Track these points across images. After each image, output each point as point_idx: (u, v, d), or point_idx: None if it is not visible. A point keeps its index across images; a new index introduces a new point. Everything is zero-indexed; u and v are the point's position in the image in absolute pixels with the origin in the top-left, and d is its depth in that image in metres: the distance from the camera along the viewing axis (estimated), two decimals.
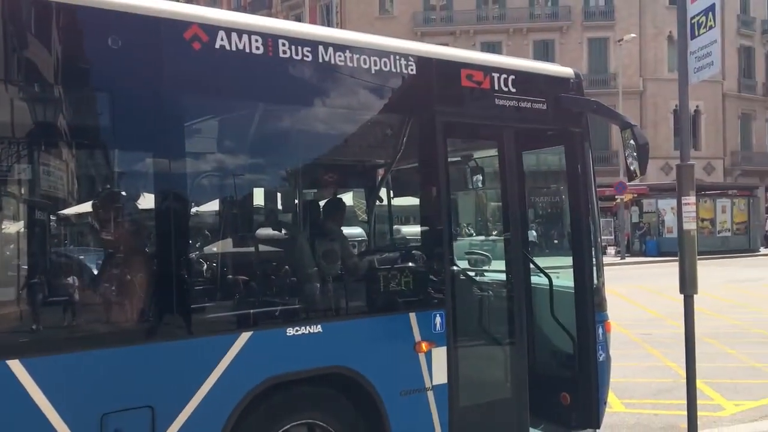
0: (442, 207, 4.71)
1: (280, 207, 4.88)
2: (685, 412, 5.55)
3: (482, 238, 7.90)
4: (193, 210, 4.27)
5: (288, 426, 4.03)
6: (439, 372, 4.59)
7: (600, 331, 5.50)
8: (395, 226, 5.70)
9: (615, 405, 7.59)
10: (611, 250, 34.58)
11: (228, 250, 4.34)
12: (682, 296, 5.12)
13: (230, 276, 4.29)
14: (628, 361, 9.93)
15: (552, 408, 5.56)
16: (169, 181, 3.73)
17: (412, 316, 4.50)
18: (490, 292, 5.56)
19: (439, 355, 4.59)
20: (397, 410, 4.38)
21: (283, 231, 4.64)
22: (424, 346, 4.51)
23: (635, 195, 35.46)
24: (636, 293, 19.01)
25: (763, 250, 38.07)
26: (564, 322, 5.62)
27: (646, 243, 35.13)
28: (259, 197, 4.48)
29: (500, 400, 5.08)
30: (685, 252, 4.99)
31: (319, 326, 4.10)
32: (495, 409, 5.01)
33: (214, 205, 4.57)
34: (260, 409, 3.92)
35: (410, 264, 4.73)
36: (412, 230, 5.62)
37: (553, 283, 5.72)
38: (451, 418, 4.62)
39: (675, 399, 7.78)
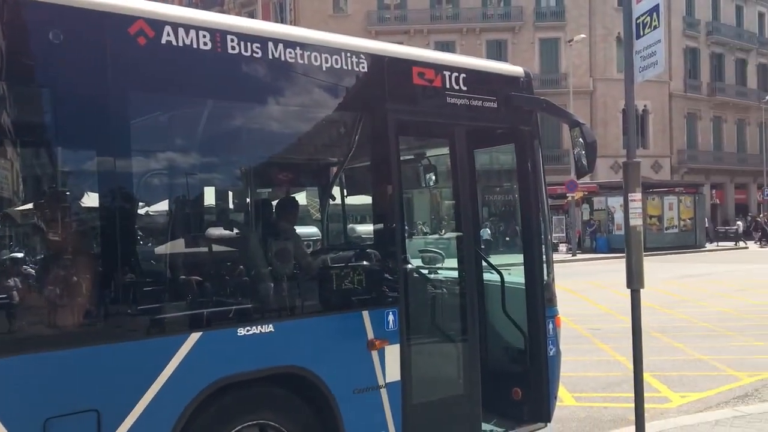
0: (395, 205, 4.71)
1: (230, 206, 4.82)
2: (631, 404, 5.69)
3: (436, 236, 7.93)
4: (140, 209, 4.19)
5: (239, 427, 3.98)
6: (392, 370, 4.59)
7: (550, 326, 5.58)
8: (348, 225, 5.68)
9: (566, 399, 7.72)
10: (563, 247, 35.18)
11: (177, 249, 4.26)
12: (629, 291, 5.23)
13: (179, 276, 4.21)
14: (578, 355, 10.12)
15: (503, 403, 5.62)
16: (114, 180, 3.65)
17: (365, 314, 4.49)
18: (443, 290, 5.59)
19: (393, 352, 4.60)
20: (350, 409, 4.37)
21: (234, 230, 4.58)
22: (377, 344, 4.50)
23: (586, 193, 36.13)
24: (586, 289, 19.37)
25: (708, 246, 39.22)
26: (515, 318, 5.68)
27: (596, 240, 35.83)
28: (208, 196, 4.41)
29: (453, 397, 5.11)
30: (631, 247, 5.09)
31: (270, 326, 4.06)
32: (448, 405, 5.04)
33: (161, 204, 4.49)
34: (211, 411, 3.86)
35: (363, 262, 4.72)
36: (365, 229, 5.60)
37: (505, 280, 5.78)
38: (405, 416, 4.63)
39: (624, 392, 7.95)
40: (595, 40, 45.71)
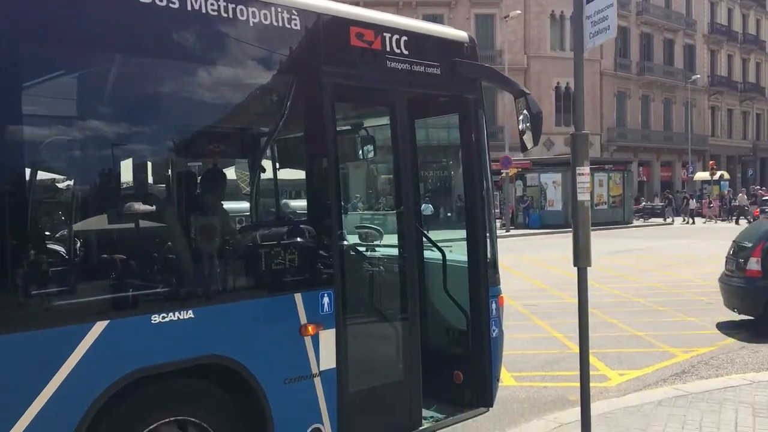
0: (330, 178, 4.32)
1: (143, 178, 4.30)
2: (574, 384, 5.49)
3: (374, 212, 7.55)
4: (38, 181, 3.67)
5: (155, 425, 3.56)
6: (326, 356, 4.23)
7: (493, 306, 5.32)
8: (279, 200, 5.22)
9: (505, 378, 7.52)
10: (497, 222, 35.41)
11: (80, 227, 3.74)
12: (565, 267, 4.99)
13: (83, 258, 3.70)
14: (516, 332, 9.95)
15: (444, 387, 5.35)
16: (3, 149, 3.14)
17: (298, 297, 4.11)
18: (382, 269, 5.25)
19: (327, 338, 4.23)
20: (281, 400, 4.00)
21: (148, 205, 4.08)
22: (310, 329, 4.13)
23: (519, 169, 36.46)
24: (521, 264, 19.43)
25: (635, 222, 40.24)
26: (457, 298, 5.40)
27: (529, 216, 36.28)
28: (118, 167, 3.90)
29: (392, 384, 4.79)
30: (578, 223, 4.85)
31: (190, 312, 3.63)
32: (387, 392, 4.72)
33: (63, 175, 3.96)
34: (121, 408, 3.42)
35: (295, 241, 4.32)
36: (297, 204, 5.18)
37: (447, 258, 5.48)
38: (340, 405, 4.29)
39: (563, 370, 7.82)
40: (530, 17, 45.93)
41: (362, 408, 4.47)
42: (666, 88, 55.51)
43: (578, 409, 5.29)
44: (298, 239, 4.32)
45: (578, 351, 5.12)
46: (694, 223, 40.31)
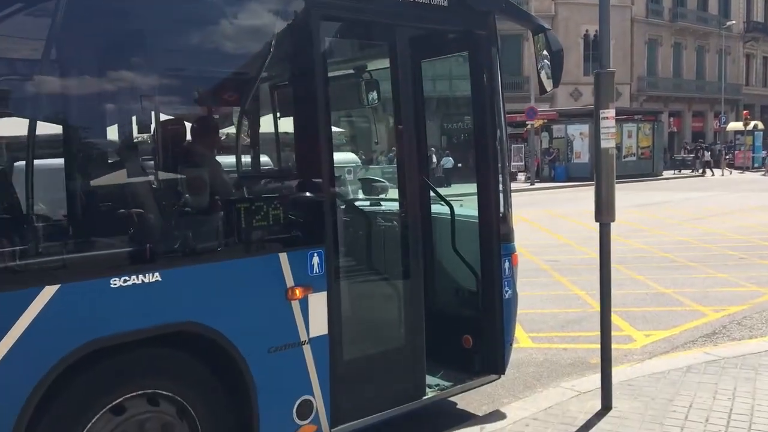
0: (320, 122, 3.84)
1: (99, 121, 3.82)
2: (595, 346, 5.07)
3: (379, 163, 7.01)
4: None
5: (120, 399, 3.19)
6: (317, 322, 3.82)
7: (506, 265, 4.86)
8: (262, 147, 4.73)
9: (522, 339, 7.11)
10: (521, 176, 34.76)
11: (22, 176, 3.30)
12: (590, 222, 4.51)
13: (27, 213, 3.27)
14: (535, 289, 9.54)
15: (452, 352, 4.95)
16: None
17: (283, 257, 3.68)
18: (382, 225, 4.79)
19: (318, 301, 3.82)
20: (265, 371, 3.61)
21: (104, 150, 3.62)
22: (298, 292, 3.72)
23: (545, 121, 35.56)
24: (544, 218, 18.89)
25: (665, 174, 39.22)
26: (467, 257, 4.95)
27: (555, 168, 35.51)
28: (70, 111, 3.44)
29: (393, 350, 4.39)
30: (602, 174, 4.34)
31: (156, 274, 3.22)
32: (386, 360, 4.32)
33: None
34: (78, 382, 3.06)
35: (279, 194, 3.87)
36: (283, 154, 4.71)
37: (455, 213, 5.01)
38: (333, 376, 3.90)
39: (584, 331, 7.38)
40: None
41: (358, 377, 4.08)
42: (699, 35, 53.51)
43: (599, 375, 4.86)
44: (284, 192, 3.87)
45: (600, 315, 4.68)
46: (712, 174, 39.13)
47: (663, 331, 7.36)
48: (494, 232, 4.77)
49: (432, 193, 5.22)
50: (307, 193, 3.86)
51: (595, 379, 5.06)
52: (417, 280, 4.35)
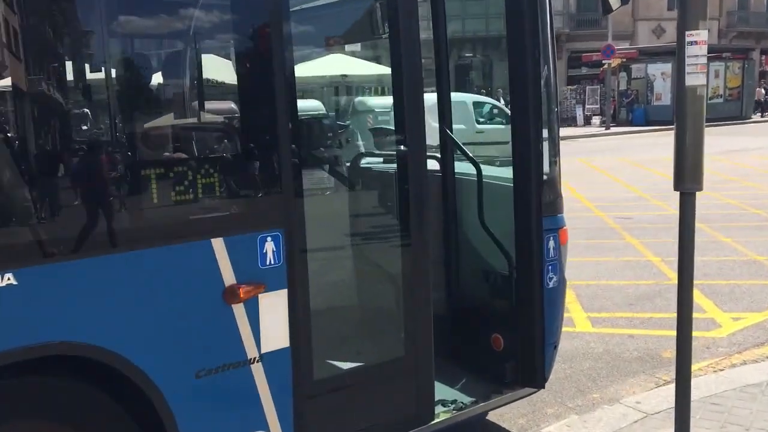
0: (274, 53, 2.71)
1: None
2: (670, 332, 3.88)
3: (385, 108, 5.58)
4: None
5: None
6: (273, 332, 2.77)
7: (551, 243, 3.66)
8: (189, 93, 3.43)
9: (579, 322, 5.92)
10: (596, 119, 32.74)
11: None
12: (670, 171, 3.25)
13: None
14: (601, 255, 8.25)
15: (478, 356, 3.85)
16: None
17: (218, 243, 2.62)
18: (377, 192, 3.65)
19: (274, 304, 2.76)
20: (190, 404, 2.60)
21: None
22: (241, 292, 2.66)
23: (624, 59, 33.23)
24: (618, 167, 17.26)
25: (754, 117, 36.23)
26: (498, 232, 3.78)
27: (633, 111, 33.33)
28: None
29: (387, 363, 3.29)
30: (685, 124, 3.06)
31: (9, 276, 2.21)
32: (378, 377, 3.23)
33: None
34: None
35: (213, 152, 2.78)
36: (216, 93, 3.48)
37: (483, 174, 3.83)
38: (298, 404, 2.86)
39: (658, 311, 6.11)
40: None
41: (335, 404, 3.03)
42: None
43: (672, 388, 3.67)
44: (219, 150, 2.78)
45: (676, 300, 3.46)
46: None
47: (756, 314, 6.01)
48: (534, 200, 3.57)
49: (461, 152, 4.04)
50: (256, 151, 2.76)
51: (667, 393, 3.87)
52: (421, 270, 3.22)
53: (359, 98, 13.98)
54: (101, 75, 2.58)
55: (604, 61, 31.24)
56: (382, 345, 3.41)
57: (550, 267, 3.67)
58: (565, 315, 6.08)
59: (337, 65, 13.16)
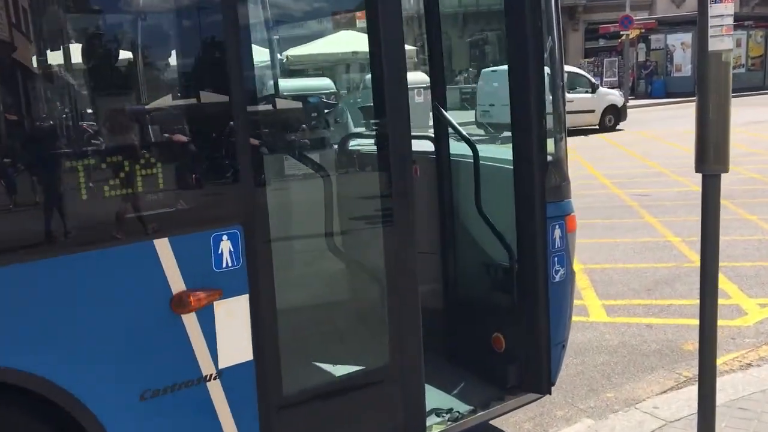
0: (230, 19, 2.32)
1: None
2: (692, 321, 3.48)
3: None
4: None
5: None
6: (232, 344, 2.42)
7: (557, 232, 3.27)
8: (130, 69, 2.99)
9: (593, 310, 5.53)
10: (615, 92, 31.97)
11: None
12: (691, 145, 2.84)
13: None
14: (618, 235, 7.82)
15: (478, 357, 3.48)
16: None
17: (161, 244, 2.26)
18: (355, 177, 3.26)
19: (233, 311, 2.41)
20: (135, 431, 2.26)
21: None
22: (192, 300, 2.31)
23: (642, 30, 32.32)
24: (636, 141, 16.71)
25: None
26: (497, 220, 3.39)
27: (652, 83, 32.52)
28: None
29: (371, 373, 2.92)
30: (708, 94, 2.65)
31: None
32: (360, 388, 2.86)
33: None
34: None
35: (153, 139, 2.40)
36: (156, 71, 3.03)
37: (480, 156, 3.43)
38: (265, 424, 2.51)
39: (676, 297, 5.70)
40: None
41: (309, 420, 2.67)
42: None
43: (693, 390, 3.29)
44: (158, 134, 2.41)
45: (699, 281, 3.06)
46: None
47: None
48: (536, 184, 3.17)
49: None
50: (207, 134, 2.39)
51: (689, 395, 3.49)
52: (407, 260, 2.83)
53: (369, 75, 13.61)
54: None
55: (622, 33, 30.45)
56: (363, 350, 3.05)
57: (556, 259, 3.29)
58: (579, 303, 5.74)
59: (347, 42, 12.78)
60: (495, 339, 3.42)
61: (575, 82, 19.13)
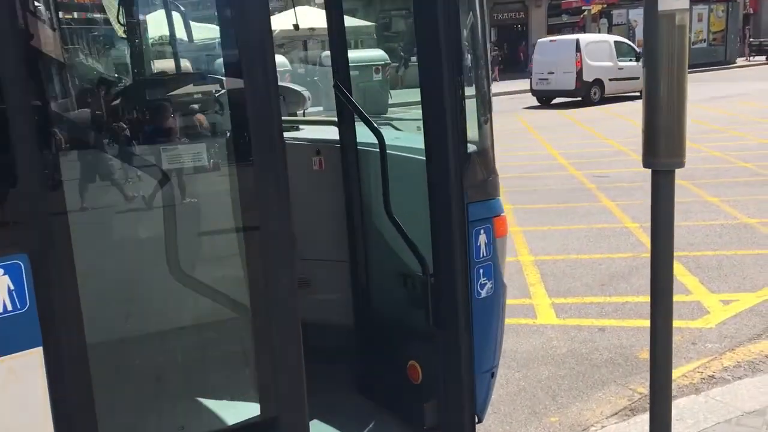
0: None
1: None
2: (646, 323, 2.92)
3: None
4: None
5: None
6: (19, 417, 1.77)
7: (482, 239, 2.67)
8: None
9: (542, 311, 4.97)
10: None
11: None
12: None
13: None
14: (572, 221, 7.30)
15: (392, 388, 2.88)
16: None
17: None
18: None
19: (19, 373, 1.76)
20: None
21: None
22: None
23: (604, 5, 32.00)
24: (597, 119, 16.26)
25: (739, 61, 35.17)
26: (411, 223, 2.78)
27: None
28: None
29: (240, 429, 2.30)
30: (658, 67, 2.05)
31: None
32: None
33: None
34: None
35: None
36: None
37: (387, 145, 2.81)
38: None
39: (633, 294, 5.17)
40: None
41: None
42: None
43: (646, 417, 2.73)
44: None
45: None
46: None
47: (749, 294, 5.08)
48: (453, 181, 2.56)
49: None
50: None
51: (643, 421, 2.93)
52: (282, 274, 2.19)
53: (326, 52, 12.88)
54: None
55: (584, 8, 30.14)
56: (219, 409, 2.41)
57: (481, 270, 2.68)
58: (527, 302, 5.18)
59: (305, 18, 12.15)
60: (411, 368, 2.83)
61: (621, 50, 20.81)
